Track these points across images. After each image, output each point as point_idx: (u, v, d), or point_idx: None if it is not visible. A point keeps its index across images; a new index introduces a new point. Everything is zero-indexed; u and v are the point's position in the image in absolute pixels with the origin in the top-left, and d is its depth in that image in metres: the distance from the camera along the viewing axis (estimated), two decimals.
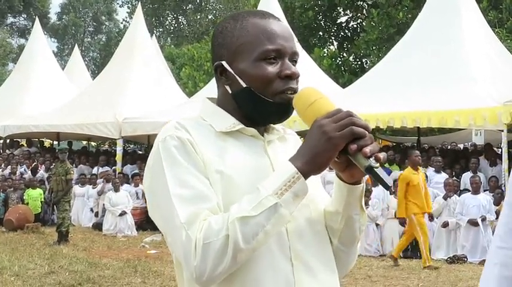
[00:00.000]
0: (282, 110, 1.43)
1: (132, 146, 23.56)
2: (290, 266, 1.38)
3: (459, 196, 9.70)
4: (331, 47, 23.50)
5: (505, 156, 9.82)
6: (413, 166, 8.55)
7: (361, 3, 22.40)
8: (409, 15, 17.50)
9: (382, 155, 1.28)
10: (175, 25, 40.38)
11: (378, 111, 10.46)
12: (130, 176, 13.22)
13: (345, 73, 20.44)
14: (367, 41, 19.38)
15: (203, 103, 1.53)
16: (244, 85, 1.42)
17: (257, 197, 1.29)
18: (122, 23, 41.86)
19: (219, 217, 1.29)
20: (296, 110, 1.39)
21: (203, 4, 39.49)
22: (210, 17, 38.35)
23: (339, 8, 22.42)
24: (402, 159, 11.96)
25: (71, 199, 11.24)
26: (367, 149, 1.28)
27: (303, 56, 13.58)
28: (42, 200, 12.98)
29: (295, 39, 1.56)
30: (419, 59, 11.32)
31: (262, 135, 1.48)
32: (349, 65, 21.59)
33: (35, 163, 15.45)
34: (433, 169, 10.68)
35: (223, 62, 1.45)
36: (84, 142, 21.92)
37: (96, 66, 44.93)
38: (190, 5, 39.75)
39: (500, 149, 10.82)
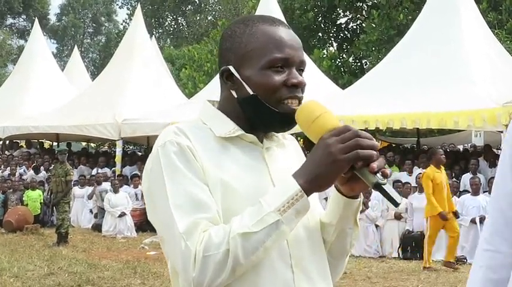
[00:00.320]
0: (286, 120, 1.42)
1: (131, 147, 23.55)
2: (291, 273, 1.38)
3: (459, 197, 9.72)
4: (331, 48, 23.51)
5: None
6: (437, 164, 8.46)
7: (361, 4, 22.40)
8: (410, 17, 17.50)
9: (389, 171, 1.28)
10: (175, 26, 40.37)
11: (378, 113, 10.46)
12: (129, 177, 13.22)
13: (344, 74, 20.44)
14: (367, 42, 19.37)
15: (203, 106, 1.52)
16: (251, 92, 1.41)
17: (259, 212, 1.28)
18: (121, 24, 41.88)
19: (219, 230, 1.28)
20: (299, 124, 1.38)
21: (202, 5, 39.48)
22: (209, 18, 38.33)
23: (338, 9, 22.42)
24: (401, 160, 11.97)
25: (71, 200, 11.25)
26: (374, 165, 1.27)
27: None
28: (42, 201, 12.97)
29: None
30: (419, 60, 11.32)
31: (262, 142, 1.48)
32: (348, 66, 21.59)
33: (34, 164, 15.44)
34: None
35: (231, 67, 1.44)
36: (84, 143, 21.92)
37: (96, 68, 44.92)
38: (189, 6, 39.75)
39: (499, 151, 10.81)
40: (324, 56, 20.79)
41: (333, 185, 1.43)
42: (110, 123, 13.74)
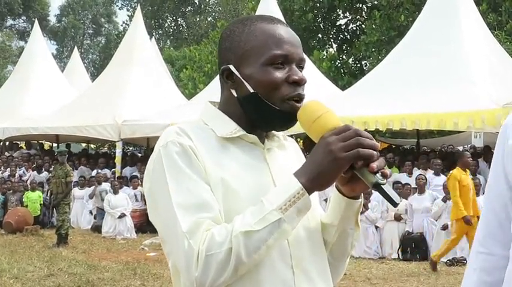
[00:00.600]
0: (287, 118, 1.42)
1: (131, 148, 23.56)
2: (291, 274, 1.38)
3: None
4: (331, 49, 23.47)
5: None
6: (463, 167, 8.40)
7: (361, 5, 22.41)
8: (410, 19, 17.49)
9: (389, 171, 1.28)
10: (175, 27, 40.38)
11: (377, 114, 10.46)
12: (129, 178, 13.22)
13: (344, 75, 20.44)
14: (367, 43, 19.38)
15: (205, 106, 1.52)
16: (251, 90, 1.41)
17: (261, 211, 1.29)
18: (121, 25, 41.95)
19: (222, 229, 1.29)
20: (300, 123, 1.38)
21: (202, 6, 39.52)
22: (209, 19, 38.37)
23: (338, 10, 22.41)
24: (401, 161, 11.97)
25: (71, 201, 11.24)
26: (374, 165, 1.27)
27: None
28: (42, 202, 12.97)
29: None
30: (419, 61, 11.32)
31: (263, 142, 1.48)
32: (348, 67, 21.59)
33: (35, 165, 15.45)
34: (433, 171, 10.68)
35: (231, 66, 1.44)
36: (84, 144, 21.92)
37: (96, 69, 44.91)
38: (189, 7, 39.78)
39: None
40: (324, 57, 20.78)
41: (334, 185, 1.43)
42: (109, 125, 13.75)
